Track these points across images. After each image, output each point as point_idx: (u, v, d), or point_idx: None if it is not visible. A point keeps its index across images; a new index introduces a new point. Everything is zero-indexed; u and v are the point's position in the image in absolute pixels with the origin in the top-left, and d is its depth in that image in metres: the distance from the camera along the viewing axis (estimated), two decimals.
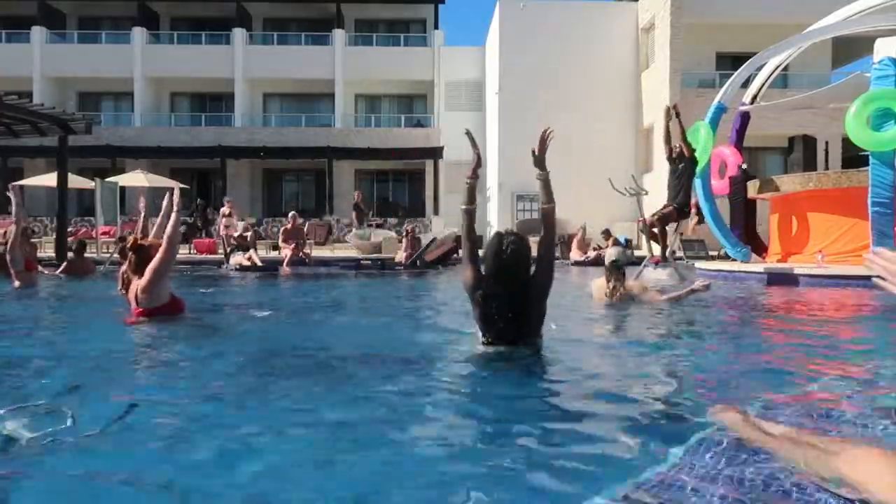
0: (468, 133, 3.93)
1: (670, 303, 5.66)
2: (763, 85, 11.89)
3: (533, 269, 3.40)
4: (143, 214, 5.79)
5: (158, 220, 5.03)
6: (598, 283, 5.86)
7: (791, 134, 12.88)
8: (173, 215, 4.45)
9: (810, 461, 1.71)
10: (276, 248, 15.48)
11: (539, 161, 3.57)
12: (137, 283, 4.38)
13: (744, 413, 2.09)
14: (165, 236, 4.39)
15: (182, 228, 4.60)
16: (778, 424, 2.05)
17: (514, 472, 1.78)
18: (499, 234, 3.35)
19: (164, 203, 4.79)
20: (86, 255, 10.11)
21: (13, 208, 7.42)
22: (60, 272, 9.26)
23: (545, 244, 3.46)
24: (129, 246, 4.58)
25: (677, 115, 9.02)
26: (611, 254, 5.80)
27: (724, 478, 1.69)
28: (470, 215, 3.55)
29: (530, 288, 3.31)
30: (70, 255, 9.95)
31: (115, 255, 7.98)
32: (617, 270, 5.64)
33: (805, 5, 16.56)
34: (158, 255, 4.30)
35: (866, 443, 1.77)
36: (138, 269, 4.40)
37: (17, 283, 7.16)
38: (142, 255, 4.41)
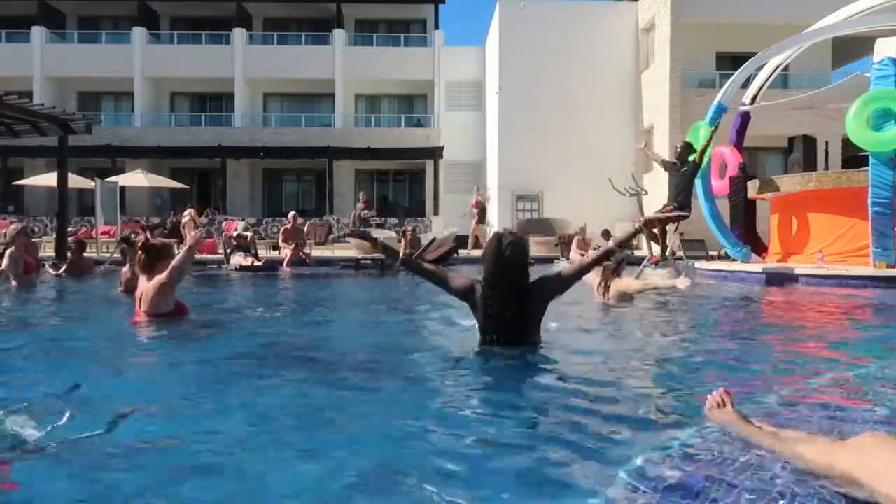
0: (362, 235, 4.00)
1: (644, 291, 5.74)
2: (763, 85, 11.88)
3: (549, 277, 3.46)
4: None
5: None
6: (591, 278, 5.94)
7: (791, 134, 12.87)
8: (185, 251, 4.46)
9: (807, 456, 1.71)
10: (276, 248, 15.47)
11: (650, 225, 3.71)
12: (144, 287, 4.40)
13: (739, 411, 2.09)
14: (173, 263, 4.39)
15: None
16: (773, 424, 2.05)
17: (512, 471, 1.78)
18: (498, 235, 3.36)
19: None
20: (85, 254, 10.10)
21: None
22: (63, 272, 9.24)
23: (584, 272, 3.60)
24: (139, 246, 4.61)
25: (712, 133, 9.18)
26: None
27: (720, 473, 1.69)
28: (409, 263, 3.68)
29: (534, 288, 3.33)
30: (70, 255, 9.95)
31: (116, 255, 7.99)
32: (607, 271, 5.73)
33: (805, 5, 16.56)
34: (163, 277, 4.33)
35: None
36: (147, 269, 4.43)
37: (13, 284, 7.16)
38: (152, 254, 4.44)
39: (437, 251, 13.22)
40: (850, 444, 1.64)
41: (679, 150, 9.61)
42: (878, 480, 1.47)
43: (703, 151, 9.23)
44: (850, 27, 10.56)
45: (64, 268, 9.40)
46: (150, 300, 4.33)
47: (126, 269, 6.56)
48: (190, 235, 4.57)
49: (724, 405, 2.10)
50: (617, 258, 3.92)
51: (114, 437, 2.12)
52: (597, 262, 3.61)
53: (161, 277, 4.30)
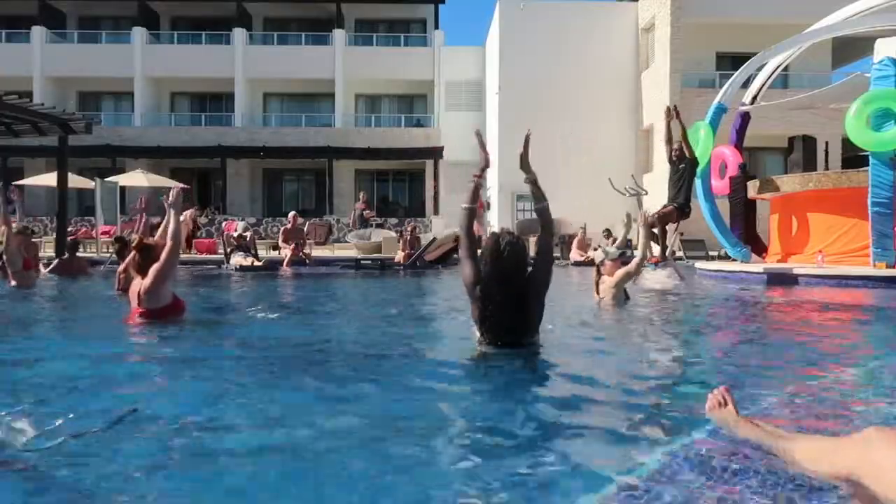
0: (478, 134, 4.01)
1: (640, 266, 5.68)
2: (763, 85, 11.89)
3: (531, 266, 3.41)
4: (142, 215, 5.77)
5: (164, 221, 5.02)
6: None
7: (791, 134, 12.88)
8: (172, 215, 4.43)
9: (810, 454, 1.69)
10: (276, 248, 15.47)
11: (524, 164, 3.61)
12: (140, 284, 4.36)
13: (739, 411, 2.08)
14: (168, 236, 4.36)
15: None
16: (773, 423, 2.04)
17: (509, 471, 1.78)
18: (495, 236, 3.34)
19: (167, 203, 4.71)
20: (78, 254, 10.07)
21: (1, 208, 7.39)
22: (50, 271, 9.16)
23: (544, 242, 3.52)
24: (133, 246, 4.56)
25: (677, 115, 9.07)
26: (597, 256, 5.91)
27: (718, 474, 1.69)
28: (470, 214, 3.58)
29: (528, 287, 3.31)
30: (65, 255, 9.91)
31: (115, 255, 7.98)
32: (599, 271, 5.76)
33: (805, 5, 16.57)
34: (163, 257, 4.28)
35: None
36: (142, 270, 4.38)
37: (13, 283, 7.13)
38: (147, 255, 4.39)
39: (438, 251, 13.23)
40: (855, 439, 1.61)
41: (678, 150, 9.58)
42: (881, 478, 1.45)
43: (687, 145, 9.14)
44: (850, 27, 10.56)
45: (52, 266, 9.33)
46: (147, 292, 4.29)
47: (122, 268, 6.53)
48: (184, 237, 4.55)
49: (726, 404, 2.09)
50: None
51: (112, 437, 2.12)
52: (543, 216, 3.47)
53: (158, 263, 4.26)
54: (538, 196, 3.54)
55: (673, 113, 9.19)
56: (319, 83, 26.79)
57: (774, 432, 1.89)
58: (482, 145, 3.80)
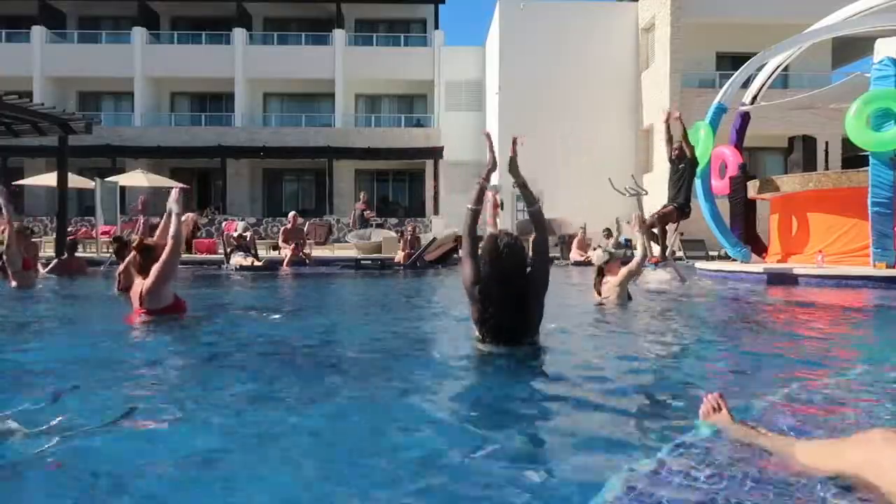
0: (487, 135, 4.04)
1: (639, 266, 5.73)
2: (763, 85, 11.88)
3: (532, 270, 3.41)
4: (141, 216, 5.77)
5: (163, 221, 5.02)
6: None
7: (791, 134, 12.88)
8: (174, 216, 4.43)
9: (811, 454, 1.69)
10: (276, 248, 15.47)
11: (512, 168, 3.66)
12: (142, 284, 4.37)
13: (734, 415, 2.06)
14: (169, 236, 4.36)
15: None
16: (771, 426, 2.04)
17: (509, 471, 1.78)
18: (493, 237, 3.34)
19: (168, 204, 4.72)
20: (77, 254, 10.05)
21: (3, 209, 7.38)
22: (48, 271, 9.15)
23: (539, 242, 3.57)
24: (134, 246, 4.57)
25: (677, 117, 9.10)
26: (596, 257, 5.92)
27: (717, 475, 1.69)
28: (474, 215, 3.59)
29: (528, 287, 3.31)
30: (63, 255, 9.89)
31: (114, 255, 7.98)
32: (601, 272, 5.77)
33: (805, 5, 16.57)
34: (164, 257, 4.28)
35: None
36: (143, 270, 4.39)
37: (13, 284, 7.12)
38: (147, 255, 4.39)
39: (438, 251, 13.22)
40: (858, 440, 1.61)
41: (678, 149, 9.59)
42: (882, 477, 1.45)
43: (688, 144, 9.13)
44: (850, 27, 10.56)
45: (51, 266, 9.32)
46: (149, 292, 4.30)
47: (121, 268, 6.52)
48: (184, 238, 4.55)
49: (720, 410, 2.07)
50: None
51: (111, 436, 2.12)
52: (535, 218, 3.53)
53: (159, 263, 4.26)
54: (529, 199, 3.60)
55: (673, 114, 9.23)
56: (319, 83, 26.80)
57: (773, 437, 1.89)
58: (491, 147, 3.80)
